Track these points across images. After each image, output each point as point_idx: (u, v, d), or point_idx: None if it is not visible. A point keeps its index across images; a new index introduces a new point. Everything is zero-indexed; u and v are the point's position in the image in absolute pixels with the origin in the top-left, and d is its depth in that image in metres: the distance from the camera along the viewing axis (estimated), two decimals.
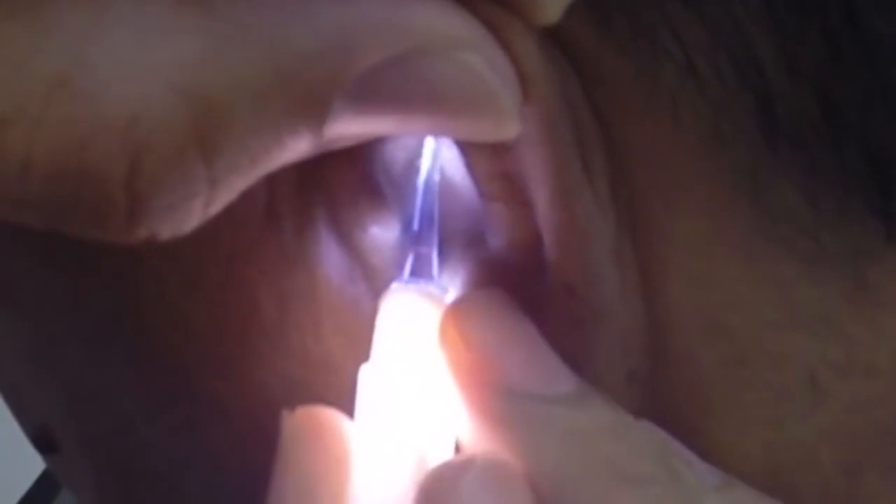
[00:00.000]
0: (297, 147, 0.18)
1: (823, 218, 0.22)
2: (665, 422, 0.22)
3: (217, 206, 0.17)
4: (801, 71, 0.20)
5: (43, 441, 0.31)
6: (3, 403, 0.31)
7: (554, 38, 0.20)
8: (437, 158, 0.23)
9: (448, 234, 0.23)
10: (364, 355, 0.23)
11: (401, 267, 0.23)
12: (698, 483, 0.20)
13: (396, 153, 0.23)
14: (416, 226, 0.23)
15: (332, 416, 0.22)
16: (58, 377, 0.28)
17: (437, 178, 0.23)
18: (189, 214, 0.17)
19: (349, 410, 0.23)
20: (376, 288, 0.23)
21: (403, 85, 0.18)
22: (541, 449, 0.20)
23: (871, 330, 0.23)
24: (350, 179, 0.23)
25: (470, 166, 0.22)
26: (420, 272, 0.23)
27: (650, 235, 0.22)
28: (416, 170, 0.23)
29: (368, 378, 0.22)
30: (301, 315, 0.23)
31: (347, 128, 0.18)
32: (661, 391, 0.22)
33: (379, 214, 0.23)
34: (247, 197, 0.22)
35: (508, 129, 0.19)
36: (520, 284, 0.22)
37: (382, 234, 0.23)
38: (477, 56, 0.18)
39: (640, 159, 0.21)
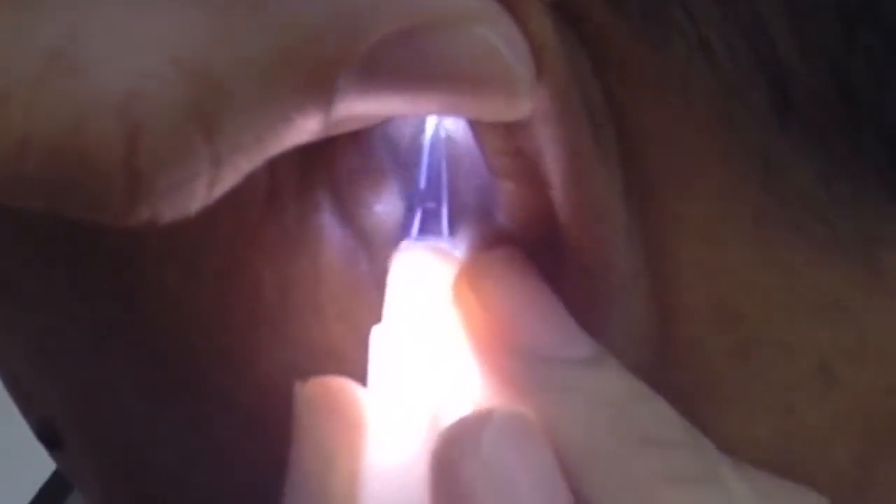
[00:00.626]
0: (305, 126, 0.17)
1: (837, 202, 0.21)
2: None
3: (222, 186, 0.17)
4: (815, 50, 0.20)
5: (48, 436, 0.30)
6: (13, 402, 0.31)
7: (564, 16, 0.20)
8: (442, 119, 0.22)
9: (456, 210, 0.23)
10: (366, 340, 0.22)
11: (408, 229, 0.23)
12: (718, 454, 0.20)
13: (401, 131, 0.23)
14: (422, 182, 0.22)
15: (344, 383, 0.22)
16: (61, 370, 0.27)
17: (443, 134, 0.22)
18: (192, 195, 0.16)
19: None
20: (380, 271, 0.23)
21: (413, 61, 0.17)
22: (565, 412, 0.20)
23: (884, 316, 0.22)
24: (353, 159, 0.22)
25: (480, 142, 0.22)
26: (429, 230, 0.22)
27: (660, 219, 0.21)
28: (421, 147, 0.22)
29: (381, 339, 0.22)
30: (303, 301, 0.23)
31: (356, 106, 0.17)
32: (669, 379, 0.22)
33: (383, 194, 0.22)
34: (248, 180, 0.22)
35: (522, 107, 0.19)
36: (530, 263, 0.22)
37: (387, 214, 0.22)
38: (491, 30, 0.18)
39: (650, 140, 0.21)
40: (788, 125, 0.21)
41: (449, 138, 0.23)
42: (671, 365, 0.22)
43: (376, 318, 0.22)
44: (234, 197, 0.22)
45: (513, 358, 0.21)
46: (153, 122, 0.16)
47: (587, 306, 0.21)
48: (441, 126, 0.22)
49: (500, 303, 0.21)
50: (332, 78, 0.17)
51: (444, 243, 0.22)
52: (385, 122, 0.23)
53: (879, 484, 0.24)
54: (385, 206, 0.22)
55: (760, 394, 0.22)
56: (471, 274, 0.22)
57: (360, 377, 0.23)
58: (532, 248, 0.22)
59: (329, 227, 0.22)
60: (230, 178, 0.17)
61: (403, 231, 0.23)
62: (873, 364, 0.22)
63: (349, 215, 0.22)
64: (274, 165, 0.22)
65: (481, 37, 0.18)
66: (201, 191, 0.17)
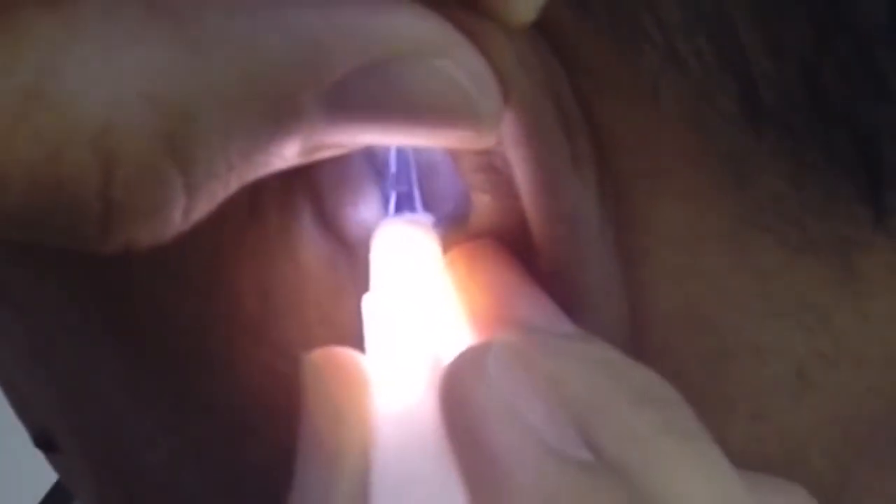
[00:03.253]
0: (280, 154, 0.18)
1: (810, 205, 0.21)
2: None
3: (198, 213, 0.17)
4: (785, 53, 0.20)
5: (44, 440, 0.31)
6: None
7: (535, 26, 0.20)
8: None
9: (432, 215, 0.23)
10: (348, 346, 0.23)
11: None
12: None
13: None
14: (392, 167, 0.23)
15: (345, 350, 0.22)
16: (53, 375, 0.28)
17: (411, 159, 0.23)
18: (167, 222, 0.17)
19: None
20: (361, 278, 0.23)
21: (378, 93, 0.18)
22: (565, 372, 0.20)
23: (859, 319, 0.22)
24: (334, 167, 0.23)
25: (455, 159, 0.22)
26: (403, 209, 0.23)
27: (634, 225, 0.22)
28: (400, 155, 0.23)
29: (373, 305, 0.22)
30: (284, 306, 0.23)
31: (328, 136, 0.18)
32: None
33: (363, 202, 0.23)
34: None
35: (487, 137, 0.19)
36: None
37: (367, 222, 0.23)
38: (452, 62, 0.18)
39: (623, 146, 0.21)
40: (760, 129, 0.21)
41: (425, 156, 0.23)
42: None
43: (357, 322, 0.23)
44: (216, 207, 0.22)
45: (508, 325, 0.21)
46: (126, 153, 0.16)
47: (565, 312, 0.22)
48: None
49: (495, 282, 0.22)
50: (298, 108, 0.17)
51: (420, 217, 0.23)
52: None
53: (857, 488, 0.24)
54: (365, 214, 0.23)
55: (735, 399, 0.22)
56: (465, 253, 0.22)
57: None
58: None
59: (310, 233, 0.23)
60: (205, 205, 0.17)
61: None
62: (849, 367, 0.23)
63: (330, 222, 0.23)
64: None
65: (443, 70, 0.18)
66: (176, 218, 0.17)
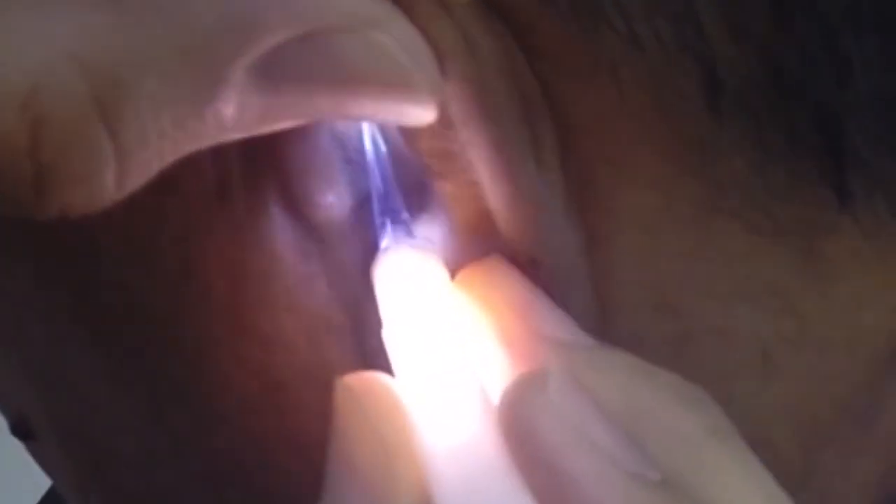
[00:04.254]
0: (215, 123, 0.18)
1: (774, 189, 0.21)
2: None
3: (132, 180, 0.17)
4: (745, 36, 0.20)
5: (22, 428, 0.31)
6: None
7: (496, 10, 0.20)
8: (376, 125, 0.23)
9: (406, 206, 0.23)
10: (317, 333, 0.23)
11: (360, 240, 0.23)
12: None
13: (348, 125, 0.23)
14: (380, 189, 0.22)
15: (380, 377, 0.22)
16: (27, 363, 0.28)
17: (383, 147, 0.23)
18: (100, 188, 0.17)
19: (309, 390, 0.23)
20: (331, 264, 0.23)
21: (310, 64, 0.18)
22: (604, 380, 0.20)
23: (824, 303, 0.23)
24: (301, 154, 0.23)
25: (412, 145, 0.22)
26: (398, 235, 0.23)
27: (597, 210, 0.22)
28: (381, 124, 0.22)
29: (396, 336, 0.22)
30: (255, 294, 0.23)
31: (263, 110, 0.18)
32: None
33: (332, 189, 0.23)
34: (196, 176, 0.22)
35: (424, 111, 0.19)
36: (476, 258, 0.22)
37: (336, 208, 0.23)
38: (386, 35, 0.18)
39: (585, 130, 0.21)
40: (721, 112, 0.21)
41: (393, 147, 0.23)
42: None
43: (327, 309, 0.23)
44: (183, 191, 0.22)
45: (540, 341, 0.21)
46: (55, 116, 0.16)
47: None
48: (377, 134, 0.23)
49: (512, 297, 0.22)
50: (229, 76, 0.17)
51: (420, 243, 0.22)
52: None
53: (822, 471, 0.24)
54: (334, 200, 0.23)
55: (702, 384, 0.22)
56: (476, 272, 0.22)
57: (311, 368, 0.23)
58: (473, 243, 0.22)
59: (279, 221, 0.23)
60: (139, 173, 0.17)
61: (354, 224, 0.23)
62: (814, 351, 0.23)
63: (299, 209, 0.23)
64: (221, 162, 0.22)
65: (377, 41, 0.18)
66: (109, 184, 0.17)
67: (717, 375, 0.23)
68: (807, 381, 0.23)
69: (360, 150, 0.23)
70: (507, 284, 0.22)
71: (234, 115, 0.18)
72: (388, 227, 0.22)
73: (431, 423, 0.21)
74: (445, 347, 0.21)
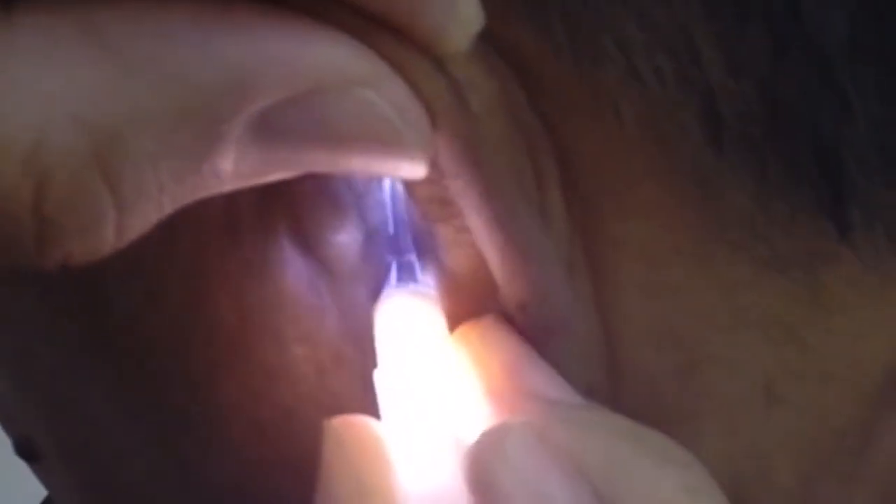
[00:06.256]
0: (213, 177, 0.18)
1: (775, 221, 0.22)
2: None
3: (132, 231, 0.18)
4: (744, 69, 0.21)
5: (27, 450, 0.31)
6: None
7: (495, 47, 0.21)
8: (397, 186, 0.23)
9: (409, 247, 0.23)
10: (326, 364, 0.23)
11: (370, 276, 0.23)
12: None
13: None
14: (391, 230, 0.23)
15: (368, 421, 0.22)
16: (36, 387, 0.28)
17: (394, 186, 0.23)
18: (101, 239, 0.17)
19: (317, 419, 0.23)
20: (339, 296, 0.23)
21: (303, 122, 0.18)
22: (584, 439, 0.20)
23: (824, 334, 0.23)
24: (310, 189, 0.23)
25: (410, 191, 0.22)
26: (403, 277, 0.23)
27: (602, 243, 0.22)
28: (377, 177, 0.23)
29: (385, 381, 0.22)
30: (263, 326, 0.23)
31: (259, 164, 0.18)
32: (618, 403, 0.22)
33: (340, 223, 0.23)
34: (206, 210, 0.22)
35: (414, 166, 0.19)
36: (474, 303, 0.23)
37: (345, 242, 0.23)
38: (376, 92, 0.18)
39: (588, 164, 0.22)
40: (721, 145, 0.21)
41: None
42: (621, 386, 0.23)
43: (336, 341, 0.23)
44: (194, 224, 0.23)
45: (524, 398, 0.22)
46: (57, 172, 0.16)
47: (529, 341, 0.22)
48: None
49: (504, 355, 0.22)
50: (226, 133, 0.18)
51: (423, 288, 0.23)
52: None
53: (821, 499, 0.24)
54: (343, 235, 0.23)
55: (704, 414, 0.23)
56: (472, 331, 0.23)
57: (318, 399, 0.23)
58: (471, 285, 0.23)
59: (288, 254, 0.23)
60: (138, 224, 0.18)
61: (364, 258, 0.23)
62: (816, 382, 0.23)
63: (308, 244, 0.23)
64: (232, 195, 0.23)
65: (367, 100, 0.18)
66: (109, 235, 0.17)
67: (720, 405, 0.23)
68: (808, 410, 0.23)
69: (370, 186, 0.23)
70: (500, 342, 0.22)
71: (230, 169, 0.18)
72: (394, 267, 0.23)
73: (408, 468, 0.22)
74: (431, 397, 0.22)
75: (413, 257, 0.23)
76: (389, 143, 0.19)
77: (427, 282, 0.23)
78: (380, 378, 0.22)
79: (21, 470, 0.33)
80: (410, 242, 0.23)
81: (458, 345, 0.23)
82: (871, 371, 0.23)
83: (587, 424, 0.21)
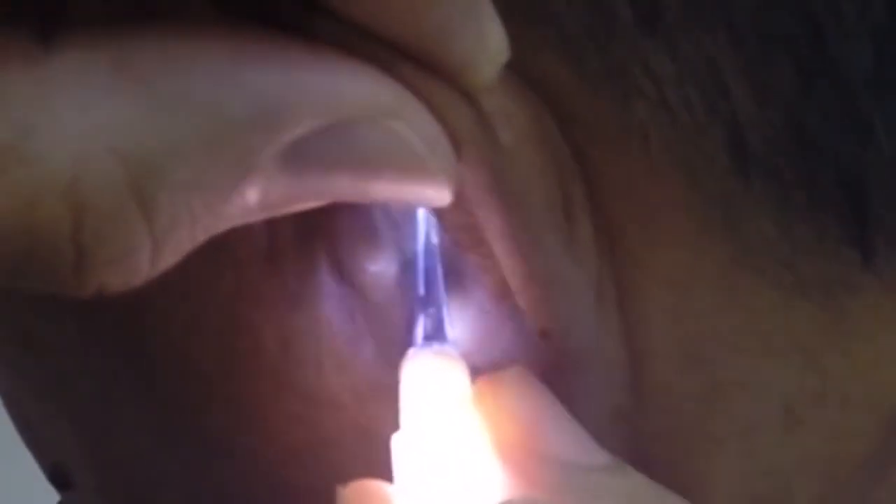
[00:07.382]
0: (242, 207, 0.19)
1: (799, 248, 0.22)
2: (647, 456, 0.22)
3: (165, 260, 0.18)
4: (771, 101, 0.21)
5: (58, 477, 0.32)
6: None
7: (528, 79, 0.22)
8: (431, 218, 0.24)
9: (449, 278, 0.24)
10: (364, 392, 0.24)
11: (406, 301, 0.24)
12: None
13: None
14: (421, 289, 0.23)
15: (379, 486, 0.23)
16: (71, 414, 0.28)
17: (435, 240, 0.24)
18: (135, 268, 0.18)
19: (355, 446, 0.24)
20: (377, 325, 0.24)
21: (333, 153, 0.19)
22: None
23: (846, 360, 0.23)
24: (348, 218, 0.24)
25: (439, 218, 0.23)
26: (432, 332, 0.24)
27: (629, 269, 0.23)
28: (414, 210, 0.24)
29: (403, 444, 0.23)
30: (303, 354, 0.24)
31: (288, 193, 0.19)
32: (642, 426, 0.23)
33: (377, 252, 0.24)
34: (248, 240, 0.23)
35: (440, 195, 0.20)
36: (501, 329, 0.23)
37: (382, 273, 0.24)
38: (403, 123, 0.19)
39: (616, 192, 0.22)
40: (748, 174, 0.22)
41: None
42: (645, 408, 0.23)
43: (374, 369, 0.24)
44: (235, 257, 0.23)
45: (539, 463, 0.22)
46: (95, 202, 0.17)
47: (553, 368, 0.23)
48: (432, 228, 0.24)
49: (524, 414, 0.22)
50: (257, 164, 0.18)
51: (448, 347, 0.23)
52: None
53: None
54: (380, 265, 0.24)
55: (725, 436, 0.23)
56: (493, 388, 0.23)
57: (358, 425, 0.24)
58: (502, 315, 0.23)
59: (327, 284, 0.24)
60: (172, 253, 0.18)
61: (400, 286, 0.24)
62: (836, 407, 0.24)
63: (346, 274, 0.24)
64: (272, 227, 0.23)
65: (394, 130, 0.19)
66: (144, 264, 0.18)
67: (742, 427, 0.23)
68: (827, 435, 0.24)
69: (407, 215, 0.24)
70: (521, 399, 0.23)
71: (260, 200, 0.19)
72: (421, 321, 0.23)
73: None
74: (446, 462, 0.22)
75: (442, 312, 0.23)
76: (415, 171, 0.19)
77: (454, 334, 0.24)
78: (395, 443, 0.23)
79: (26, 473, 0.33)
80: (441, 296, 0.23)
81: (478, 403, 0.23)
82: (890, 396, 0.24)
83: (605, 490, 0.21)
